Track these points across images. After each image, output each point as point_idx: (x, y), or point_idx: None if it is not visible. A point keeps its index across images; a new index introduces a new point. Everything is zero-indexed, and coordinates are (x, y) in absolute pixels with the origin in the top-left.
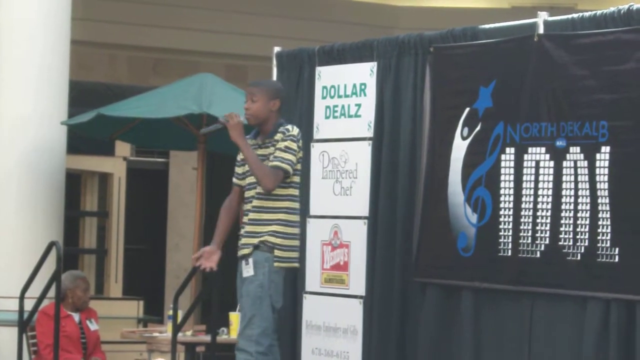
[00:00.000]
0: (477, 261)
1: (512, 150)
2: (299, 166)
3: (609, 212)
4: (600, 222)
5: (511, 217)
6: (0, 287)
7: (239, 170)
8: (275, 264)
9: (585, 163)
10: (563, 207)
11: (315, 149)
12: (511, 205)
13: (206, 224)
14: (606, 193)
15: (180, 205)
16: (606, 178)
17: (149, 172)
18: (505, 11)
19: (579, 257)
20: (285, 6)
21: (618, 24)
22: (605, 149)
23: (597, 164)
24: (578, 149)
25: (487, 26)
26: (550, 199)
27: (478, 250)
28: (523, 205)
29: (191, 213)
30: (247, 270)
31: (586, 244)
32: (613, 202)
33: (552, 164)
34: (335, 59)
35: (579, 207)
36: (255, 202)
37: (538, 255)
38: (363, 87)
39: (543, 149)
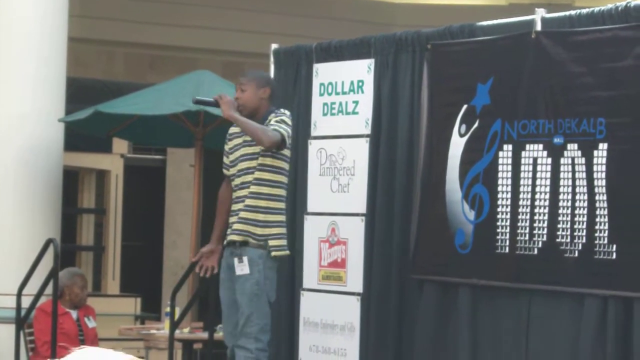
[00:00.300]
0: (475, 258)
1: (510, 147)
2: (287, 152)
3: (606, 209)
4: (597, 219)
5: (509, 214)
6: None
7: (226, 160)
8: (273, 254)
9: (583, 160)
10: (560, 204)
11: (313, 146)
12: (509, 202)
13: (203, 221)
14: (604, 190)
15: (177, 202)
16: (604, 175)
17: (146, 169)
18: (503, 8)
19: (576, 254)
20: (283, 3)
21: (615, 21)
22: (603, 145)
23: (595, 160)
24: (575, 146)
25: (484, 23)
26: (547, 196)
27: (475, 247)
28: (520, 202)
29: (188, 210)
30: (242, 268)
31: (584, 240)
32: (610, 199)
33: (549, 160)
34: (332, 56)
35: (577, 204)
36: (245, 191)
37: (535, 252)
38: (360, 84)
39: (541, 146)
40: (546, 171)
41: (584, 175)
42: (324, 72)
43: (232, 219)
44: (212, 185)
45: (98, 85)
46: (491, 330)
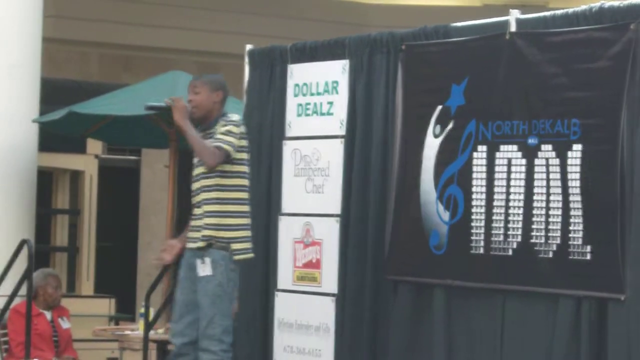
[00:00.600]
0: (449, 259)
1: (484, 148)
2: (245, 155)
3: (580, 210)
4: (572, 220)
5: (483, 215)
6: None
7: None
8: (235, 257)
9: (557, 161)
10: (535, 205)
11: (288, 147)
12: (483, 203)
13: (178, 222)
14: (578, 191)
15: (152, 202)
16: (578, 176)
17: (120, 170)
18: (477, 9)
19: (550, 255)
20: (258, 4)
21: (590, 22)
22: (577, 146)
23: (569, 161)
24: (550, 147)
25: (459, 24)
26: (522, 197)
27: (450, 248)
28: (495, 203)
29: (163, 211)
30: (204, 269)
31: (558, 241)
32: (585, 199)
33: (524, 161)
34: (307, 56)
35: (551, 205)
36: (202, 196)
37: (510, 253)
38: (335, 85)
39: (515, 147)
40: (520, 172)
41: (559, 176)
42: (298, 73)
43: (192, 223)
44: (187, 186)
45: (72, 85)
46: (466, 331)
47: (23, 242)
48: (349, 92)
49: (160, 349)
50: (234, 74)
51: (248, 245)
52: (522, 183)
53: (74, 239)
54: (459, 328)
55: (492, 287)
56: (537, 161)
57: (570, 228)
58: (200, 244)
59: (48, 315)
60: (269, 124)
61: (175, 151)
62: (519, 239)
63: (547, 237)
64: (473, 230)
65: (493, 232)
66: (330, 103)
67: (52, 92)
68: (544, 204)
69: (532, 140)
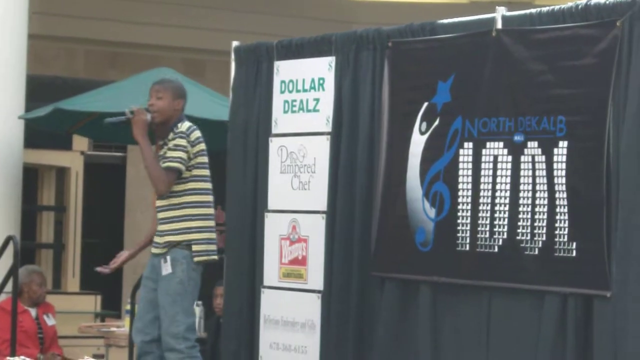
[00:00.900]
0: (435, 256)
1: (471, 145)
2: (200, 159)
3: (566, 207)
4: (557, 217)
5: (469, 211)
6: None
7: None
8: (196, 259)
9: (543, 158)
10: (521, 201)
11: (274, 144)
12: (469, 200)
13: None
14: (564, 188)
15: (137, 199)
16: (564, 173)
17: (106, 167)
18: (464, 6)
19: (536, 252)
20: (244, 1)
21: (576, 19)
22: (563, 143)
23: (555, 158)
24: (536, 144)
25: (445, 21)
26: (508, 194)
27: (436, 244)
28: (481, 200)
29: (149, 207)
30: (166, 268)
31: (544, 238)
32: (570, 196)
33: (510, 158)
34: (293, 53)
35: (537, 201)
36: (159, 202)
37: (496, 249)
38: (321, 81)
39: (501, 144)
40: (507, 169)
41: (544, 173)
42: (284, 70)
43: (157, 227)
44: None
45: (58, 82)
46: (452, 328)
47: (9, 239)
48: (335, 88)
49: None
50: (220, 70)
51: (211, 247)
52: (508, 180)
53: (60, 235)
54: (445, 325)
55: (478, 284)
56: (523, 158)
57: (556, 225)
58: (162, 249)
59: (33, 312)
60: (255, 121)
61: (160, 148)
62: (505, 235)
63: (532, 234)
64: (459, 227)
65: (479, 229)
66: (317, 100)
67: (38, 89)
68: (529, 201)
69: (518, 137)
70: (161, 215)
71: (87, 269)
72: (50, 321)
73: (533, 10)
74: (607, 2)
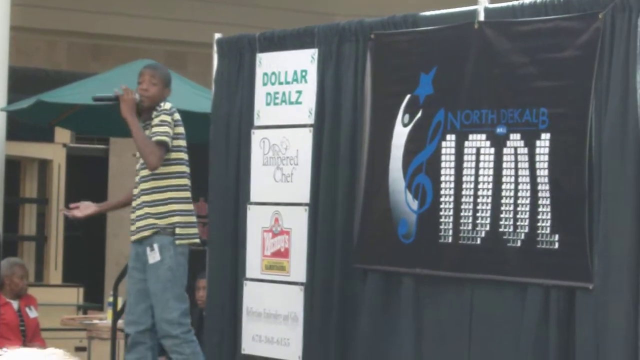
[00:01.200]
0: (418, 248)
1: (453, 137)
2: (180, 142)
3: (549, 199)
4: (540, 209)
5: (452, 203)
6: None
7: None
8: (177, 242)
9: (526, 150)
10: (503, 193)
11: (256, 136)
12: (452, 192)
13: None
14: (546, 180)
15: (120, 191)
16: (546, 165)
17: (88, 159)
18: None
19: (519, 244)
20: None
21: (558, 12)
22: (546, 135)
23: (537, 150)
24: (518, 136)
25: (427, 13)
26: (490, 186)
27: (419, 237)
28: (464, 192)
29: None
30: (153, 256)
31: (526, 230)
32: (553, 189)
33: (492, 150)
34: (276, 45)
35: (519, 193)
36: (144, 185)
37: (478, 242)
38: (304, 73)
39: (484, 136)
40: (489, 161)
41: (527, 165)
42: (267, 62)
43: (131, 216)
44: None
45: (40, 74)
46: (435, 320)
47: None
48: (317, 81)
49: (129, 338)
50: (203, 62)
51: (193, 230)
52: (491, 172)
53: (42, 228)
54: (428, 317)
55: (461, 276)
56: (505, 150)
57: (539, 217)
58: (145, 233)
59: (15, 304)
60: (237, 113)
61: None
62: (488, 228)
63: (515, 226)
64: (441, 220)
65: (461, 221)
66: (299, 92)
67: (20, 81)
68: (512, 193)
69: (500, 130)
70: (144, 198)
71: (69, 262)
72: (32, 314)
73: (515, 3)
74: None
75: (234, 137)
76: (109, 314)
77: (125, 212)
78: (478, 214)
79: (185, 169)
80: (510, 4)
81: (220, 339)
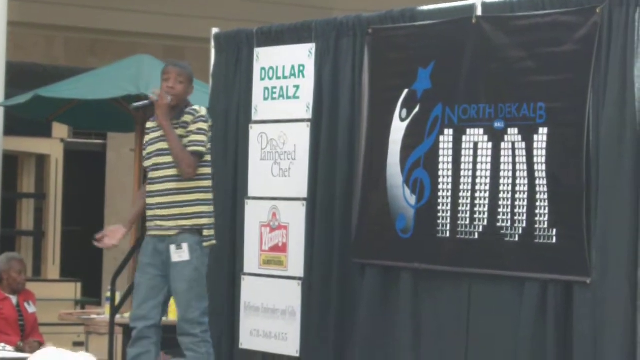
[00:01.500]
0: (416, 242)
1: (451, 131)
2: (209, 145)
3: (546, 194)
4: (538, 204)
5: (450, 198)
6: None
7: (144, 152)
8: (205, 244)
9: (523, 144)
10: (501, 188)
11: (254, 131)
12: (450, 186)
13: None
14: (544, 174)
15: (117, 186)
16: (544, 159)
17: (86, 154)
18: None
19: (516, 238)
20: None
21: (555, 6)
22: (543, 130)
23: (535, 145)
24: (516, 131)
25: (425, 8)
26: (488, 180)
27: (417, 231)
28: (461, 187)
29: (129, 195)
30: (180, 254)
31: (524, 225)
32: (550, 183)
33: (490, 145)
34: (273, 40)
35: (517, 188)
36: (171, 185)
37: (476, 236)
38: (302, 68)
39: (481, 131)
40: (487, 156)
41: (525, 159)
42: (265, 57)
43: (150, 213)
44: None
45: (38, 69)
46: (433, 314)
47: None
48: (315, 75)
49: (127, 333)
50: (200, 57)
51: (213, 232)
52: (489, 167)
53: (40, 223)
54: (426, 311)
55: (459, 271)
56: (503, 145)
57: (536, 212)
58: (172, 232)
59: (14, 299)
60: (235, 108)
61: (141, 135)
62: (485, 222)
63: (513, 221)
64: (439, 214)
65: (459, 215)
66: (297, 87)
67: (18, 76)
68: (510, 188)
69: (498, 124)
70: (169, 199)
71: (67, 257)
72: (31, 309)
73: None
74: None
75: (231, 132)
76: (106, 308)
77: (124, 205)
78: (476, 209)
79: (210, 170)
80: None
81: (218, 333)
